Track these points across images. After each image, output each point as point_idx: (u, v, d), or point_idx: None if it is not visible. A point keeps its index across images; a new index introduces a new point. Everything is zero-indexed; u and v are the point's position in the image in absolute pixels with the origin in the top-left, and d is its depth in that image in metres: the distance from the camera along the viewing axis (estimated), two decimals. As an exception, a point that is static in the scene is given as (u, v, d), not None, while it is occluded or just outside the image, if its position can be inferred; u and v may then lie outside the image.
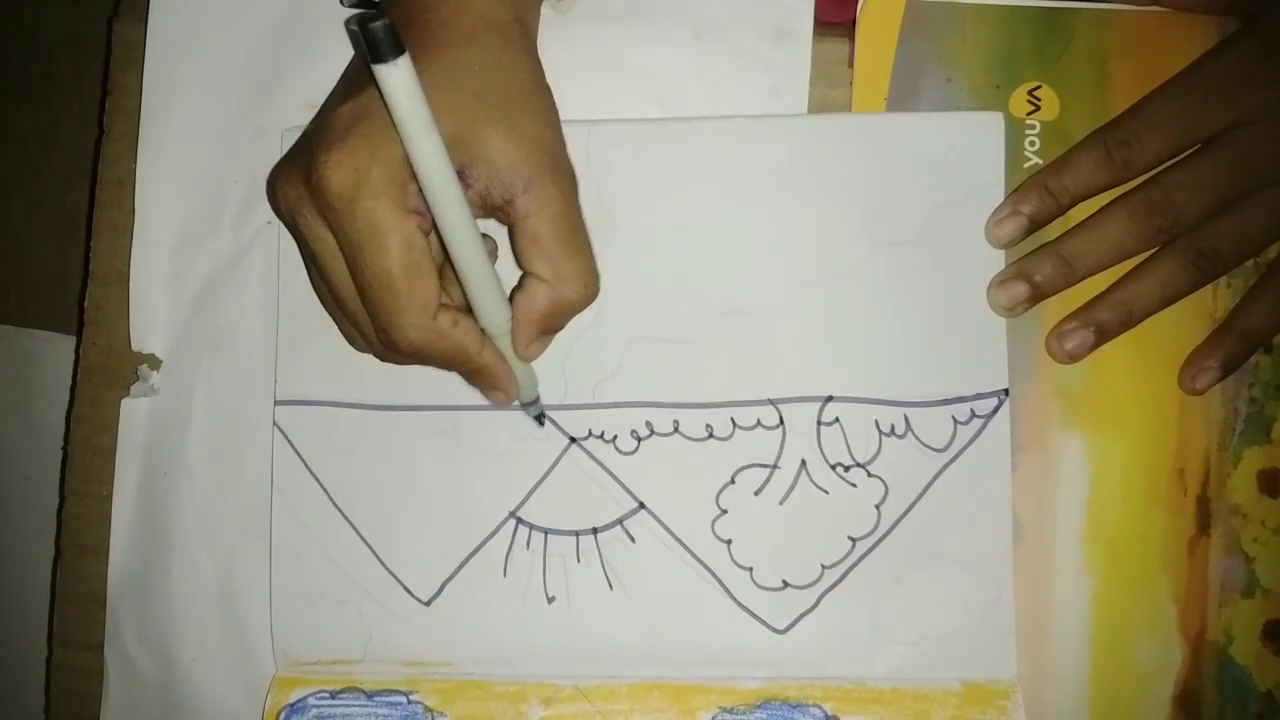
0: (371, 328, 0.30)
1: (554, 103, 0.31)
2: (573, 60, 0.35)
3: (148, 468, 0.35)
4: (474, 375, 0.31)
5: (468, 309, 0.30)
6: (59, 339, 0.39)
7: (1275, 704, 0.33)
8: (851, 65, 0.34)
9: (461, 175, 0.29)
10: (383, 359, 0.32)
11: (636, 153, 0.34)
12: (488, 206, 0.30)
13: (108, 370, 0.36)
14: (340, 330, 0.32)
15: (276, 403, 0.34)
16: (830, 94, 0.35)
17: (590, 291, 0.31)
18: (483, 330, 0.30)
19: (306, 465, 0.34)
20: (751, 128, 0.34)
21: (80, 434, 0.36)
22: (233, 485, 0.35)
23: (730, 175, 0.34)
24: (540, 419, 0.34)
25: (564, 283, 0.30)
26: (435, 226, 0.29)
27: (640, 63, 0.35)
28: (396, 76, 0.26)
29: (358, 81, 0.30)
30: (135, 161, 0.35)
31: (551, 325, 0.31)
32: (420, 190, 0.28)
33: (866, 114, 0.34)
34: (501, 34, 0.30)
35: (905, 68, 0.34)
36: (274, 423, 0.34)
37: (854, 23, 0.34)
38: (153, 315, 0.35)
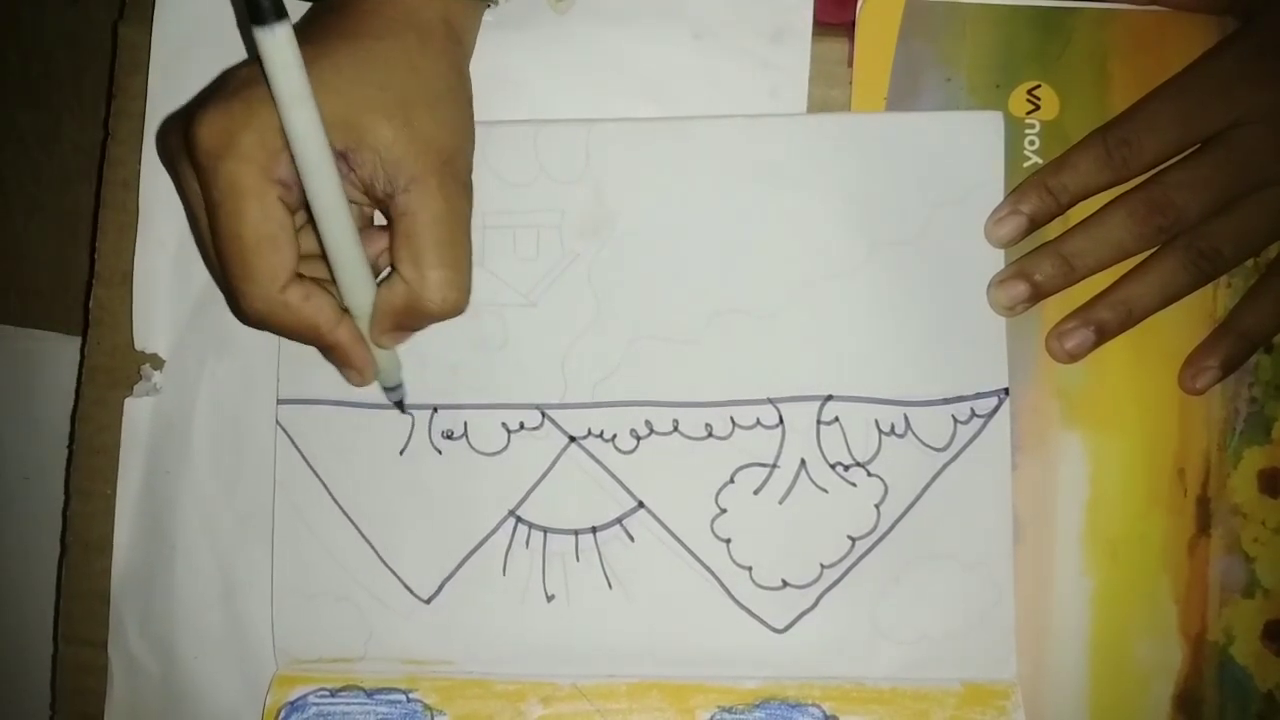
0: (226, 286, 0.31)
1: (468, 114, 0.33)
2: (573, 60, 0.37)
3: (151, 467, 0.37)
4: (328, 352, 0.32)
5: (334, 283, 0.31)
6: (59, 339, 0.41)
7: (1276, 704, 0.34)
8: (851, 65, 0.36)
9: (345, 158, 0.30)
10: (243, 322, 0.33)
11: (636, 152, 0.36)
12: (372, 196, 0.31)
13: (112, 370, 0.38)
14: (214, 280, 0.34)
15: (279, 401, 0.36)
16: (830, 94, 0.36)
17: (449, 305, 0.31)
18: (346, 309, 0.31)
19: (309, 464, 0.36)
20: (751, 127, 0.36)
21: (85, 433, 0.38)
22: (234, 484, 0.37)
23: (730, 175, 0.36)
24: (401, 405, 0.35)
25: (425, 289, 0.31)
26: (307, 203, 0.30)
27: (640, 63, 0.37)
28: (272, 43, 0.27)
29: None
30: (140, 163, 0.37)
31: (407, 325, 0.32)
32: (294, 163, 0.29)
33: (866, 113, 0.36)
34: (422, 34, 0.32)
35: (905, 67, 0.36)
36: (277, 422, 0.36)
37: (853, 23, 0.36)
38: (156, 315, 0.37)
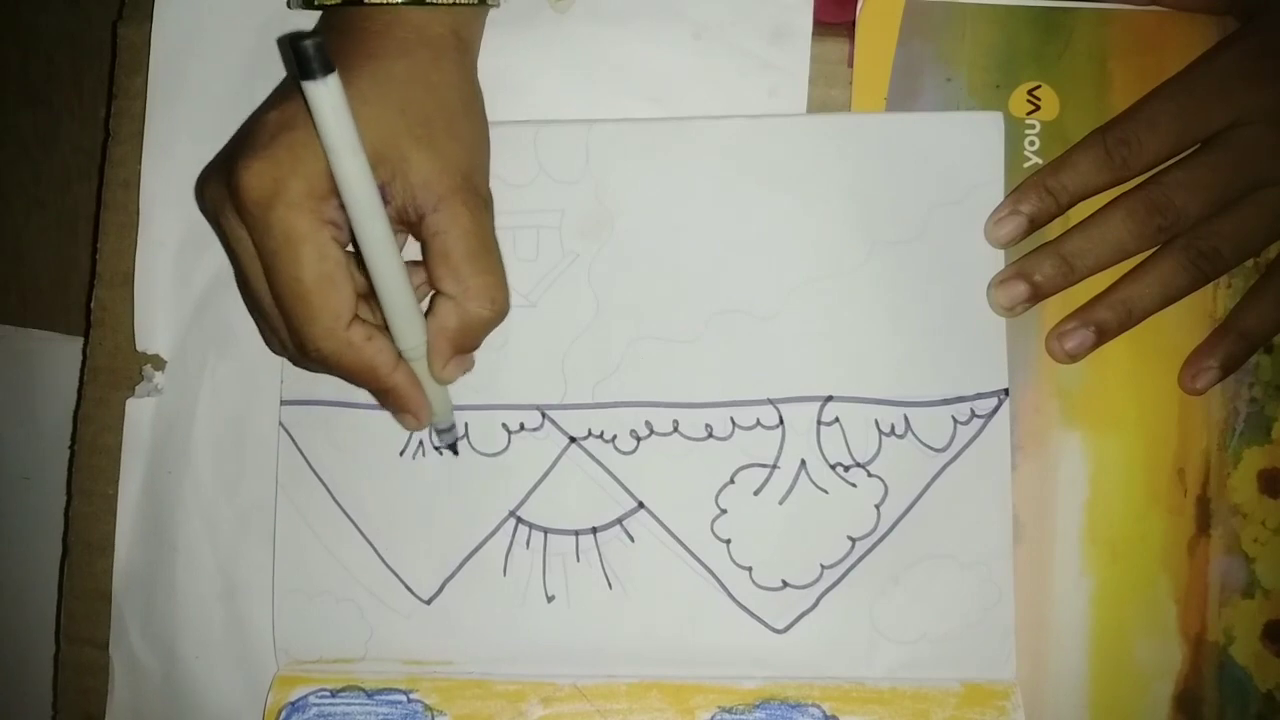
0: (285, 331, 0.32)
1: (483, 124, 0.33)
2: (573, 60, 0.37)
3: (152, 467, 0.37)
4: (384, 396, 0.33)
5: (388, 330, 0.32)
6: (59, 339, 0.41)
7: (1275, 704, 0.34)
8: (851, 65, 0.36)
9: (382, 192, 0.30)
10: (296, 364, 0.34)
11: (636, 152, 0.36)
12: (404, 222, 0.32)
13: (113, 370, 0.38)
14: (259, 330, 0.34)
15: (282, 402, 0.36)
16: (830, 94, 0.36)
17: (498, 307, 0.32)
18: (400, 354, 0.32)
19: (310, 465, 0.36)
20: (751, 127, 0.36)
21: (87, 433, 0.38)
22: (236, 484, 0.37)
23: (730, 175, 0.36)
24: (454, 448, 0.35)
25: (470, 299, 0.31)
26: (355, 244, 0.30)
27: (640, 63, 0.36)
28: (325, 95, 0.28)
29: (289, 88, 0.31)
30: (140, 164, 0.37)
31: (464, 344, 0.33)
32: (340, 204, 0.30)
33: (866, 114, 0.36)
34: (434, 49, 0.32)
35: (905, 67, 0.36)
36: (279, 422, 0.36)
37: (853, 22, 0.36)
38: (158, 316, 0.37)
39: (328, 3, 0.33)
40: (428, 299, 0.33)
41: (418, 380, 0.33)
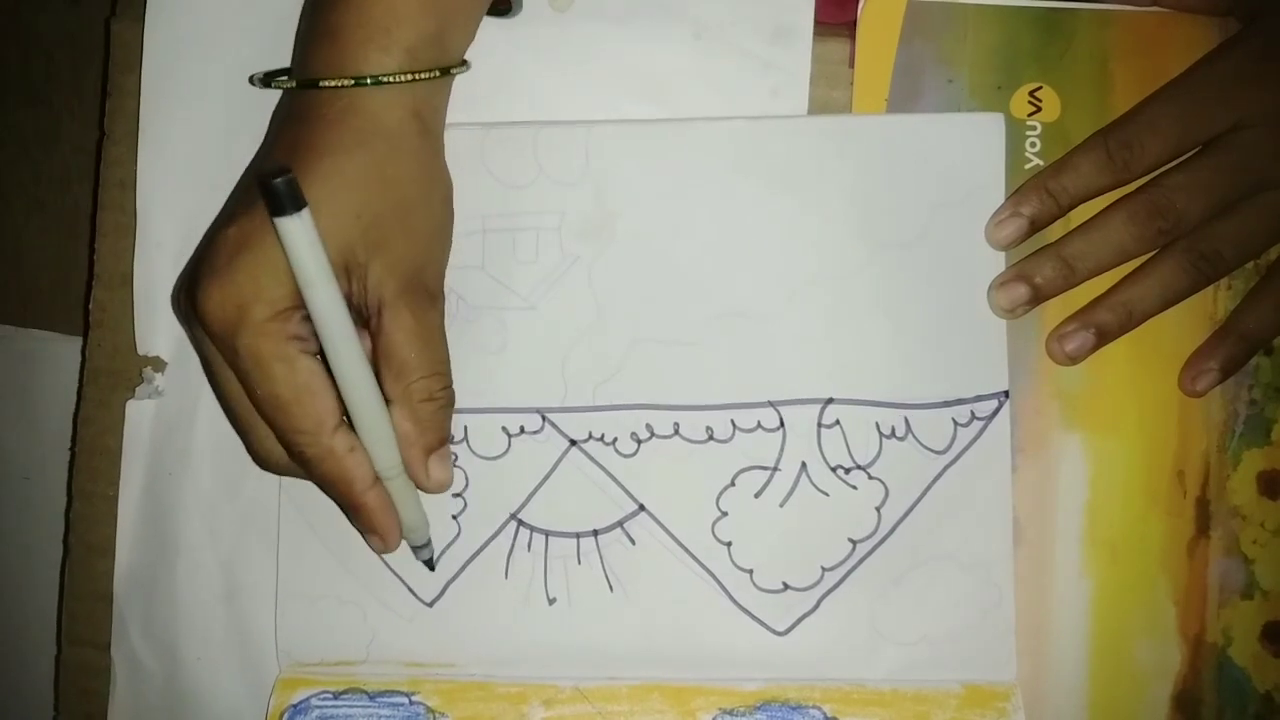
0: (253, 439, 0.31)
1: (443, 213, 0.33)
2: (573, 60, 0.36)
3: (153, 469, 0.36)
4: (354, 513, 0.32)
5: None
6: (59, 339, 0.40)
7: (1274, 705, 0.34)
8: (852, 66, 0.35)
9: (345, 300, 0.30)
10: (276, 473, 0.33)
11: (636, 153, 0.35)
12: (360, 320, 0.31)
13: (113, 372, 0.37)
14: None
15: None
16: (831, 94, 0.36)
17: (439, 401, 0.32)
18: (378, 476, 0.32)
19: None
20: (752, 128, 0.35)
21: (87, 435, 0.37)
22: (237, 486, 0.36)
23: (730, 176, 0.35)
24: (430, 564, 0.34)
25: (412, 398, 0.31)
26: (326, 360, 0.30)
27: (640, 63, 0.36)
28: (297, 230, 0.28)
29: (245, 197, 0.31)
30: (137, 163, 0.36)
31: (431, 443, 0.32)
32: (305, 316, 0.29)
33: (867, 115, 0.35)
34: (391, 140, 0.31)
35: (906, 68, 0.35)
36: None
37: (854, 23, 0.35)
38: (157, 317, 0.36)
39: (284, 85, 0.32)
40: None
41: (390, 505, 0.32)
